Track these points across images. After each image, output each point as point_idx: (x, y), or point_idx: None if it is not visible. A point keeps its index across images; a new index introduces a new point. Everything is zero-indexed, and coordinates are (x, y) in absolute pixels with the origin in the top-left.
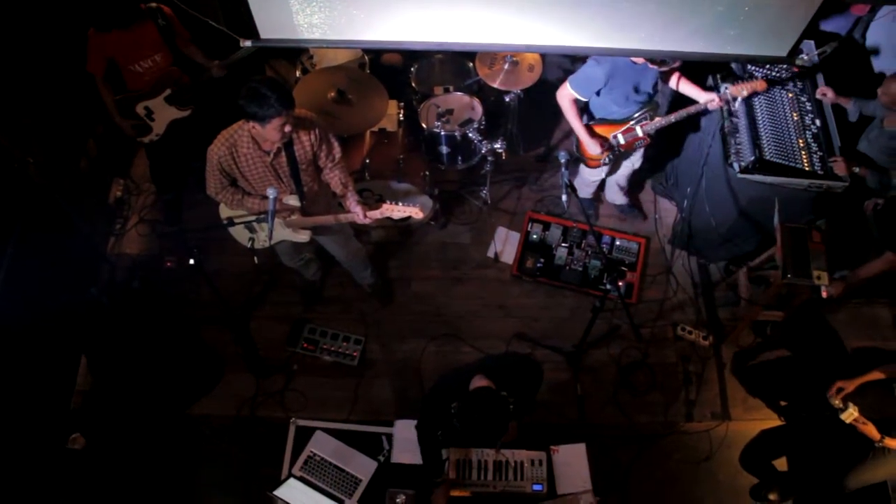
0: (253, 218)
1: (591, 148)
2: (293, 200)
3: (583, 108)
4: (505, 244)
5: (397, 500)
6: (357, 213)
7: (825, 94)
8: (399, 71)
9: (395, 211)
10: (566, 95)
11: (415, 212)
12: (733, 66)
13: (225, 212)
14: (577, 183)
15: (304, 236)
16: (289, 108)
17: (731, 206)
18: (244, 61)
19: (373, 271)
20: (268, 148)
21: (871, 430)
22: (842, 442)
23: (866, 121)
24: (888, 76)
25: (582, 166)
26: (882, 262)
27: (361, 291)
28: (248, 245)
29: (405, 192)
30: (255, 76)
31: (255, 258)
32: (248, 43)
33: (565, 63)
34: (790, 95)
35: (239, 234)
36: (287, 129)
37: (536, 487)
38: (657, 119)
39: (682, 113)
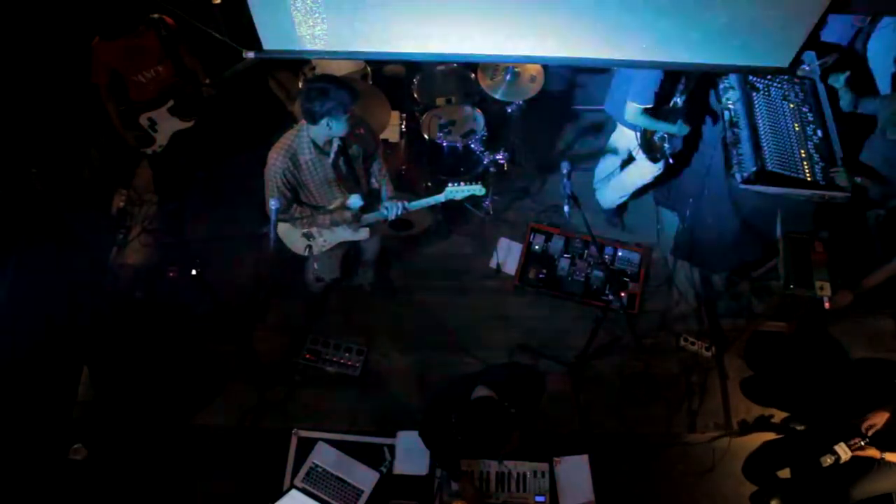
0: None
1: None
2: (355, 199)
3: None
4: (507, 255)
5: None
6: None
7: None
8: (401, 82)
9: (459, 192)
10: (633, 112)
11: (477, 189)
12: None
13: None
14: (615, 187)
15: (364, 234)
16: (358, 95)
17: (733, 216)
18: (247, 74)
19: (374, 272)
20: (329, 148)
21: (871, 452)
22: None
23: (867, 130)
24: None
25: (631, 169)
26: (888, 270)
27: (364, 302)
28: (305, 252)
29: None
30: (310, 78)
31: (316, 265)
32: (250, 54)
33: (567, 74)
34: (792, 106)
35: (295, 241)
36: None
37: (539, 499)
38: None
39: None
